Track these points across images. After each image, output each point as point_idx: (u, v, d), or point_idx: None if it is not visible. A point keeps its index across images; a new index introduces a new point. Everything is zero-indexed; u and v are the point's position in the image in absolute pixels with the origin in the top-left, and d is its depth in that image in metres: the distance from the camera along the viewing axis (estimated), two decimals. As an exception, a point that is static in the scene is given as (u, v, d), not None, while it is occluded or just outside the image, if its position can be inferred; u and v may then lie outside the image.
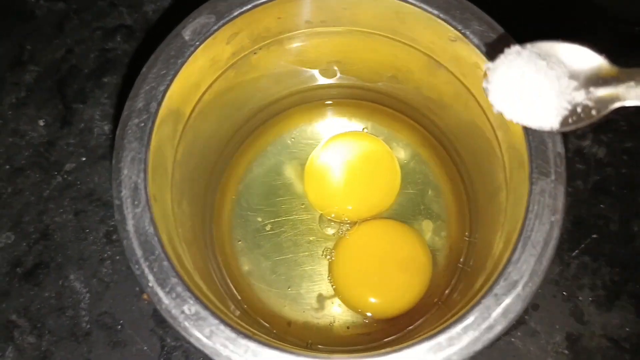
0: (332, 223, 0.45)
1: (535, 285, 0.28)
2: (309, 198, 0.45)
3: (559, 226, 0.29)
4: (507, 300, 0.28)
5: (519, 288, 0.28)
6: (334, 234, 0.44)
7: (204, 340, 0.28)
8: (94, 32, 0.50)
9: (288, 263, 0.44)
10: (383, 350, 0.28)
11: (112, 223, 0.46)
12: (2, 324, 0.44)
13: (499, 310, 0.28)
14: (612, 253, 0.45)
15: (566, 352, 0.43)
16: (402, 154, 0.46)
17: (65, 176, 0.47)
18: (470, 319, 0.28)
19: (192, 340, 0.28)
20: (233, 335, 0.28)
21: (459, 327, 0.28)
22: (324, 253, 0.44)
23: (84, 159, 0.47)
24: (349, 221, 0.44)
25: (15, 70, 0.49)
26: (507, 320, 0.28)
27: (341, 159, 0.45)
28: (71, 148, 0.48)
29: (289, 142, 0.47)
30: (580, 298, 0.44)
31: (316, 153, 0.46)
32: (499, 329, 0.28)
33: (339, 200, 0.44)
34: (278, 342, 0.28)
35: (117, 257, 0.45)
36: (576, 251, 0.45)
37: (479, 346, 0.28)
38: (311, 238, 0.44)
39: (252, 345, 0.28)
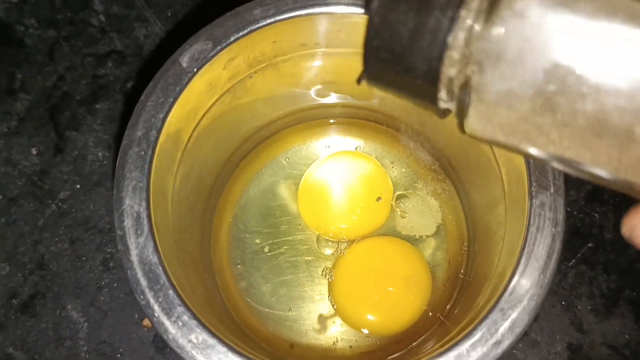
0: (330, 242, 0.45)
1: (540, 298, 0.29)
2: (303, 218, 0.45)
3: (560, 239, 0.30)
4: (513, 315, 0.28)
5: (524, 302, 0.29)
6: (332, 254, 0.44)
7: (213, 368, 0.28)
8: (85, 59, 0.50)
9: (288, 285, 0.43)
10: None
11: (109, 250, 0.46)
12: (-1, 357, 0.43)
13: (506, 324, 0.28)
14: (608, 261, 0.46)
15: (568, 361, 0.43)
16: (395, 170, 0.46)
17: (60, 204, 0.47)
18: (477, 335, 0.28)
19: (200, 368, 0.28)
20: (242, 361, 0.28)
21: (467, 344, 0.28)
22: (324, 273, 0.44)
23: (78, 186, 0.47)
24: (346, 239, 0.44)
25: (6, 99, 0.49)
26: (514, 334, 0.28)
27: (333, 179, 0.45)
28: (65, 176, 0.47)
29: (284, 162, 0.47)
30: (579, 307, 0.45)
31: (309, 174, 0.46)
32: (506, 343, 0.28)
33: (332, 220, 0.44)
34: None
35: (115, 285, 0.45)
36: (573, 261, 0.46)
37: (487, 362, 0.28)
38: (309, 258, 0.44)
39: (262, 371, 0.28)
